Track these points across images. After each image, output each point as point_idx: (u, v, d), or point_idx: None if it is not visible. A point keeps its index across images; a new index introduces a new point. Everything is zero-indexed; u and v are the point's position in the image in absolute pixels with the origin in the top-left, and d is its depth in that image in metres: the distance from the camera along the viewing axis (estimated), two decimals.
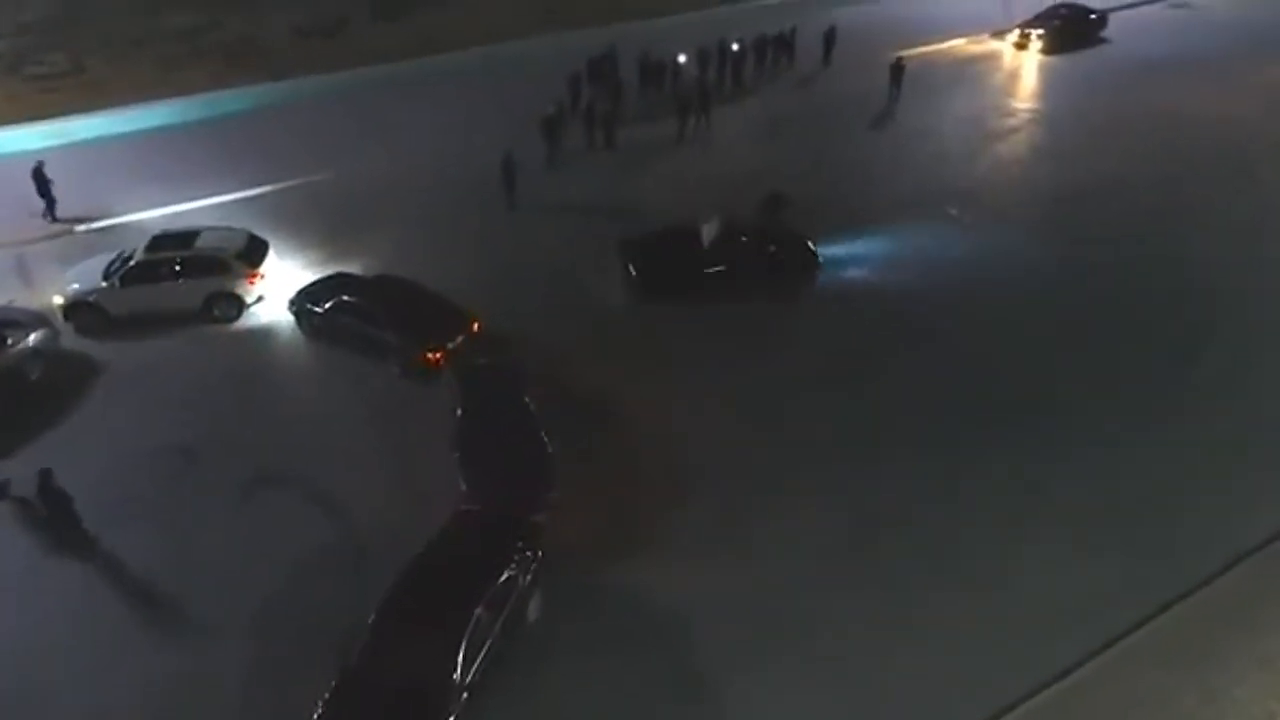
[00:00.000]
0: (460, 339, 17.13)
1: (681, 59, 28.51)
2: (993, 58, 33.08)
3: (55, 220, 21.91)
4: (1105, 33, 34.49)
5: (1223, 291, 20.16)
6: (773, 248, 20.03)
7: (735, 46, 29.91)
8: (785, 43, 30.98)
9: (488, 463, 14.14)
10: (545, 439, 14.64)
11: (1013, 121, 28.21)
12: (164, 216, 22.10)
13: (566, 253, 21.19)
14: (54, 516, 13.73)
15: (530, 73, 28.88)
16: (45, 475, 13.54)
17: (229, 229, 19.76)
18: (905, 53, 30.58)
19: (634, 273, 19.83)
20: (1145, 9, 37.72)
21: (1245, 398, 17.16)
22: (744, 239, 19.85)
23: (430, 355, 16.79)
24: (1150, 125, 27.81)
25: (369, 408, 16.70)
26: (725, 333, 18.71)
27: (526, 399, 15.30)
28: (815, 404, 16.94)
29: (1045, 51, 33.03)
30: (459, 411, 15.01)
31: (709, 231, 19.67)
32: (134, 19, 33.51)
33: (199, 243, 18.64)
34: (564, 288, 19.99)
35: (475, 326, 17.48)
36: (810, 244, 20.31)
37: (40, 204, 21.75)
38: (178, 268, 18.25)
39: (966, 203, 23.69)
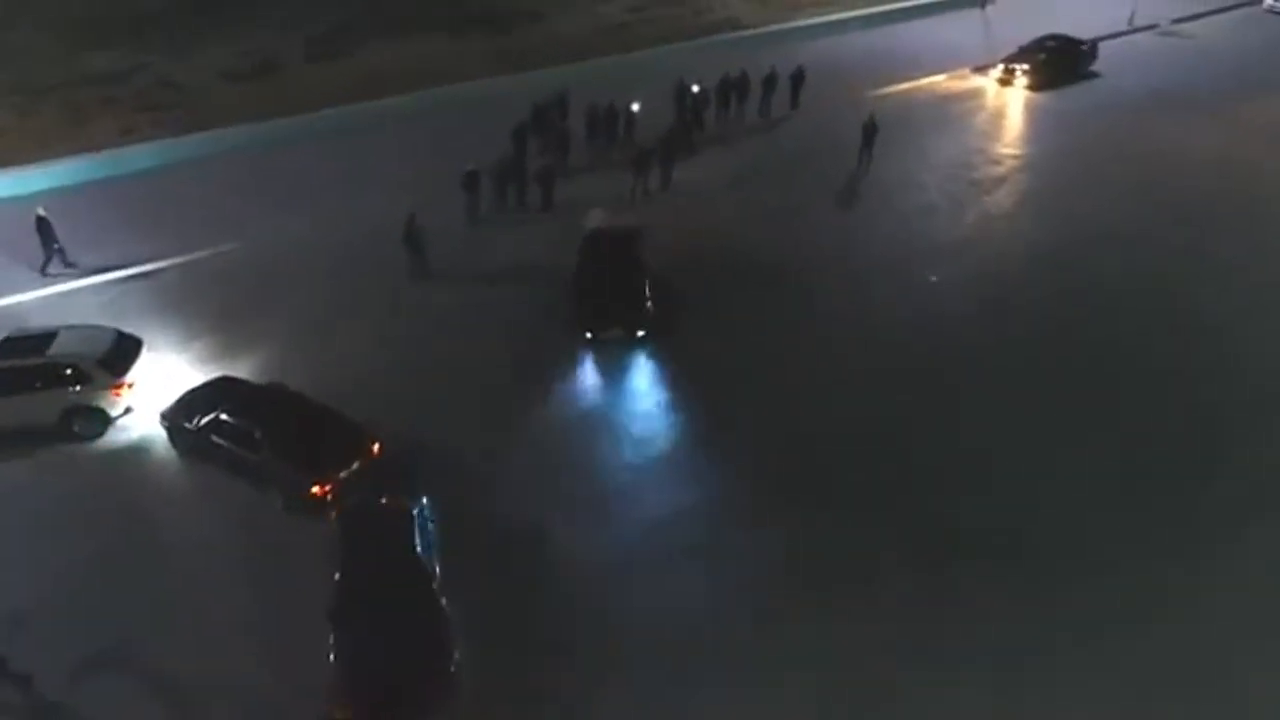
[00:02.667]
0: (355, 466, 14.46)
1: (635, 107, 25.86)
2: (975, 95, 30.65)
3: (69, 266, 20.37)
4: (1095, 65, 32.25)
5: (1243, 359, 18.22)
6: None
7: (695, 89, 27.34)
8: (754, 84, 28.21)
9: (368, 645, 11.42)
10: (443, 605, 11.98)
11: (999, 170, 25.79)
12: (39, 300, 19.40)
13: (479, 334, 18.67)
14: None
15: (476, 117, 26.21)
16: None
17: (94, 327, 16.92)
18: (883, 90, 28.21)
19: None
20: (1135, 37, 35.68)
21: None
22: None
23: (318, 488, 14.10)
24: (1145, 171, 25.60)
25: (244, 553, 13.94)
26: (651, 445, 16.17)
27: (420, 548, 12.64)
28: (761, 535, 14.31)
29: (1031, 88, 30.65)
30: (338, 573, 12.31)
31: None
32: (49, 61, 30.81)
33: (54, 347, 15.86)
34: (472, 382, 17.38)
35: (375, 449, 14.80)
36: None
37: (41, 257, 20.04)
38: (28, 378, 15.49)
39: (949, 266, 21.25)
